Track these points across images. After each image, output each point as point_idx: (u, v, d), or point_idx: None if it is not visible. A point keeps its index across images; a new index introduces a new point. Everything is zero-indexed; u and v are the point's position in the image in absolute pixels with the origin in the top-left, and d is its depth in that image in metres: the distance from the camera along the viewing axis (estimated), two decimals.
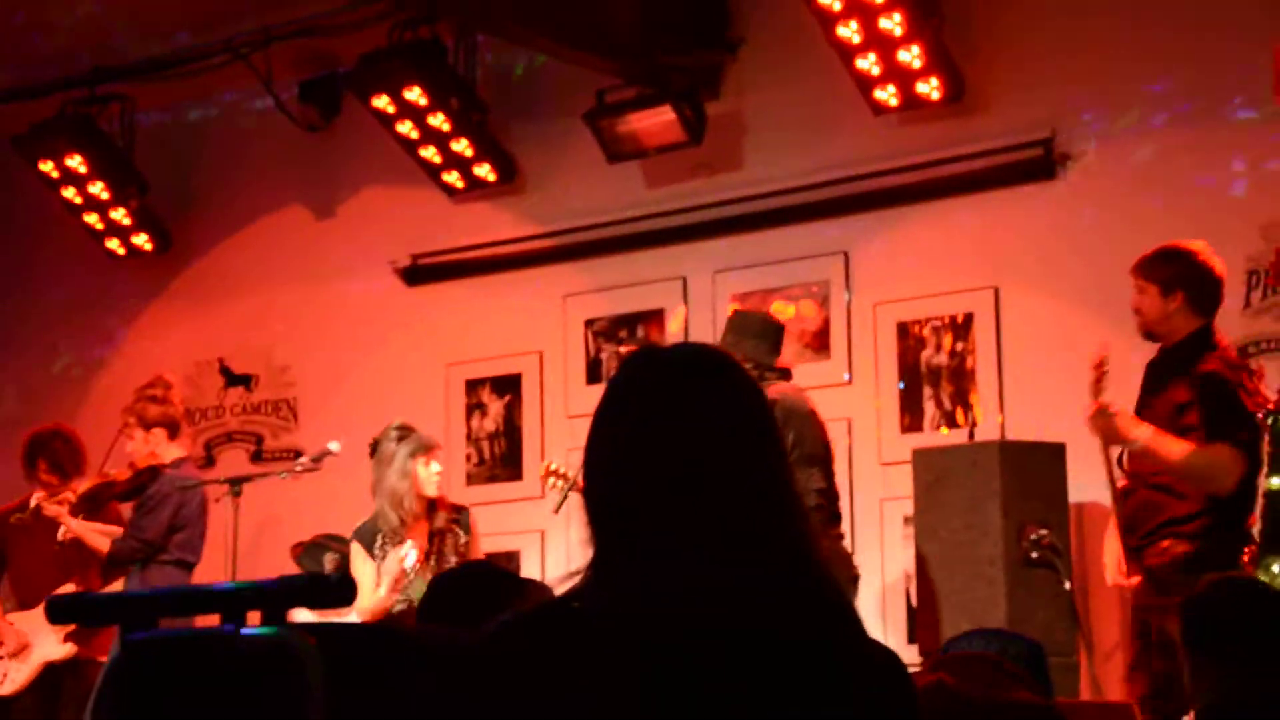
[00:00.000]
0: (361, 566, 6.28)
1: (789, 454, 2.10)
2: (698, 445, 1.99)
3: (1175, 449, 5.31)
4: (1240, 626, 3.53)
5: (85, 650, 7.28)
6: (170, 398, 7.35)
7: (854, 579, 6.21)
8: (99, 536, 7.13)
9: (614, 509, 2.01)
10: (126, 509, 7.39)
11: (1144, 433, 5.33)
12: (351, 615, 6.17)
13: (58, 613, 1.92)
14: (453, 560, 6.34)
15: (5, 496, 8.63)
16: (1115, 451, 5.54)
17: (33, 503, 7.33)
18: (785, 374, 6.19)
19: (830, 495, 6.23)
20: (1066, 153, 7.16)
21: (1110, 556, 5.56)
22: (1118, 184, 7.06)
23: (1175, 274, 5.45)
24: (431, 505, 6.40)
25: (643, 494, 1.98)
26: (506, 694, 1.88)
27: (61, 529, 7.21)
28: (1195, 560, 5.24)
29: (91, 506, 7.34)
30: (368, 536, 6.36)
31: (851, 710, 1.93)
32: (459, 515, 6.49)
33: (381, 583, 6.19)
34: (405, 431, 6.44)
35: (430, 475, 6.37)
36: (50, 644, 7.35)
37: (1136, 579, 5.42)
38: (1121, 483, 5.53)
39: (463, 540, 6.44)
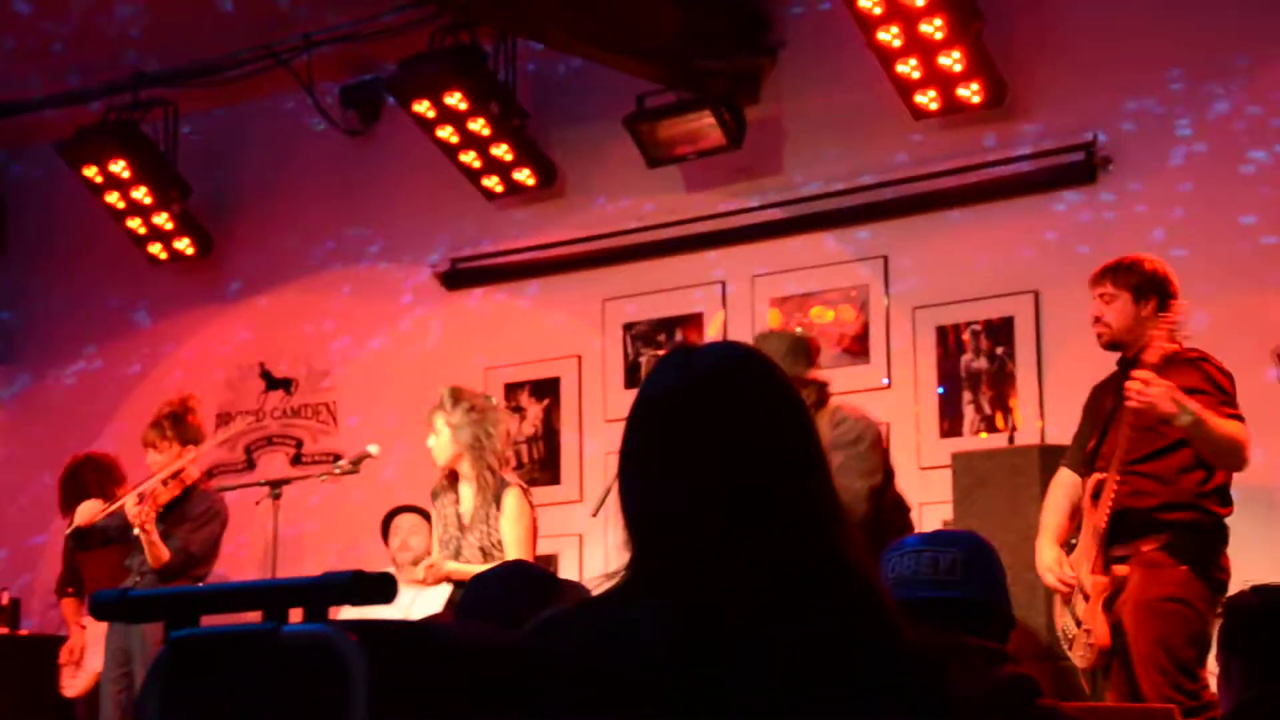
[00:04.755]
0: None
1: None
2: (731, 447, 1.99)
3: (1225, 422, 5.24)
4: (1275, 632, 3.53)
5: None
6: (195, 418, 7.39)
7: None
8: (163, 548, 7.01)
9: (648, 510, 2.01)
10: None
11: (1195, 404, 5.21)
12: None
13: (103, 610, 1.93)
14: (481, 530, 6.26)
15: (44, 497, 8.69)
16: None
17: (130, 509, 6.98)
18: (824, 387, 6.02)
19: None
20: (1108, 156, 7.13)
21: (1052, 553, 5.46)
22: (1159, 188, 7.03)
23: (1146, 281, 5.47)
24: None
25: (676, 495, 1.99)
26: (545, 691, 1.88)
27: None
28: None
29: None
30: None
31: (887, 714, 1.93)
32: (501, 489, 6.27)
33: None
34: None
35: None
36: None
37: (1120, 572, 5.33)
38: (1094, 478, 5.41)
39: (493, 514, 6.24)
